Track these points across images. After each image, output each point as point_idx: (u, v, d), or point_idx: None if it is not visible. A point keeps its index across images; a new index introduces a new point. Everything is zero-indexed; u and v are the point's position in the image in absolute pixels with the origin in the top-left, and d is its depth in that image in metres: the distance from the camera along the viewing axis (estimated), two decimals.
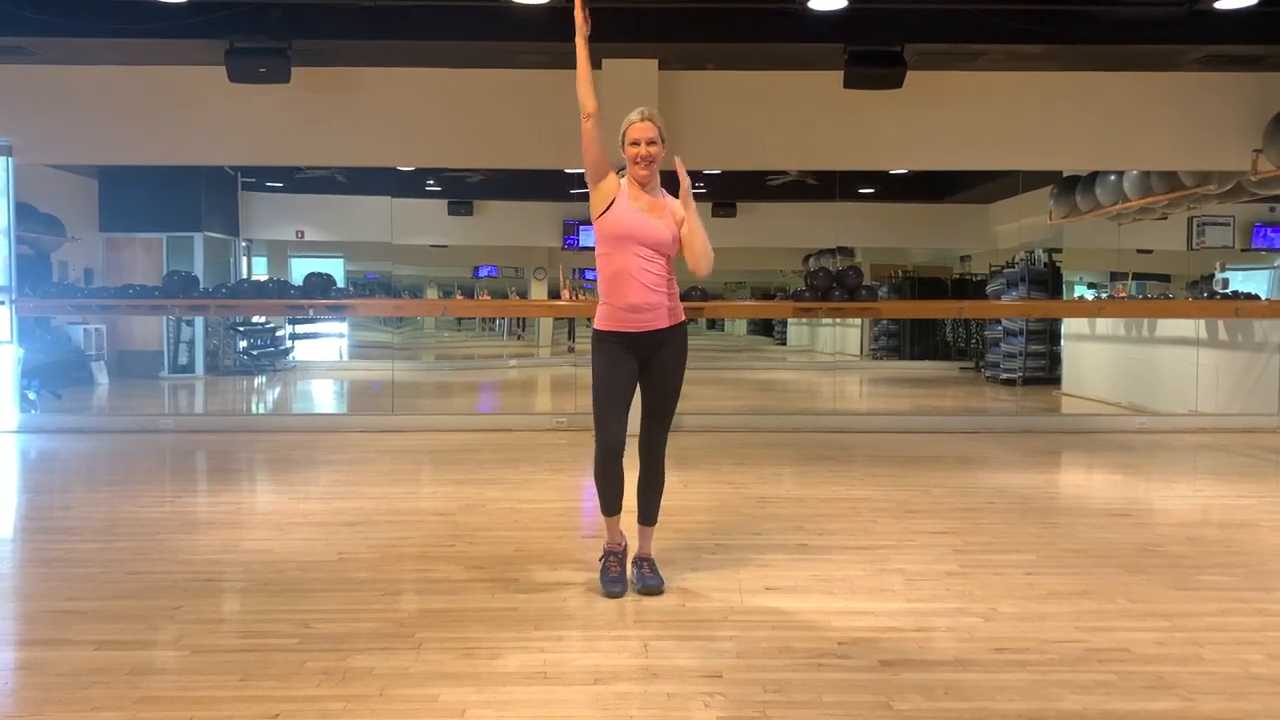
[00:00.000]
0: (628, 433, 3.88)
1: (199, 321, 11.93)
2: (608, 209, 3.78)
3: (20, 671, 3.15)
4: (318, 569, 4.21)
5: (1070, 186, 10.99)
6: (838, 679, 3.02)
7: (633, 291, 3.75)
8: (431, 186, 13.63)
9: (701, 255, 3.78)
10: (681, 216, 3.80)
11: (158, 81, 8.44)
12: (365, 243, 12.74)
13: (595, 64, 8.23)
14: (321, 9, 7.53)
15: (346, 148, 8.71)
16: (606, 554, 3.97)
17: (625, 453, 3.88)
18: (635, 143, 3.78)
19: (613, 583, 3.88)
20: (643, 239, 3.74)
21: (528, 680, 3.01)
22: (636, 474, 4.01)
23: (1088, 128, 8.61)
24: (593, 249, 3.86)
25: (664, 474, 4.01)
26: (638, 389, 3.93)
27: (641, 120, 3.79)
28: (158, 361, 12.13)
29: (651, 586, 3.88)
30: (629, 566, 4.01)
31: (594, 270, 3.86)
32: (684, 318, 3.92)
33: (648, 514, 4.03)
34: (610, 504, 3.94)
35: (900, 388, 13.74)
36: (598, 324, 3.87)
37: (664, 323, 3.82)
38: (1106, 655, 3.23)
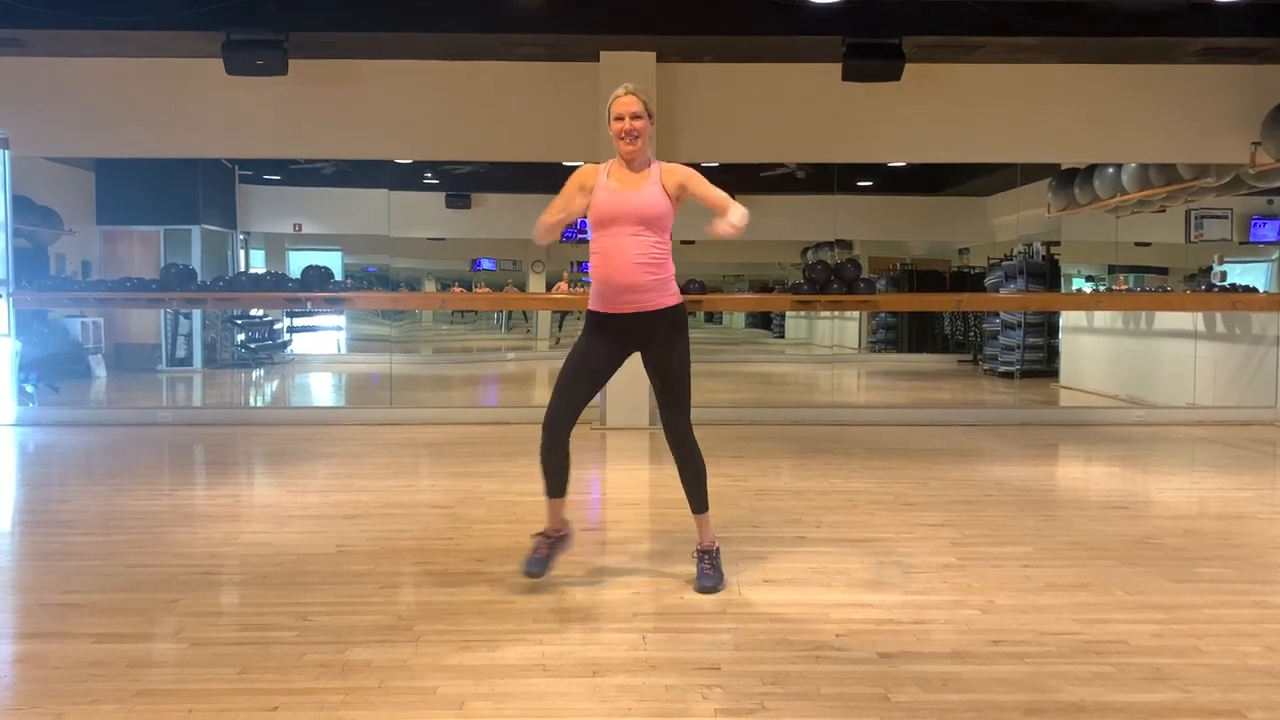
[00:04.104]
0: (576, 421, 3.83)
1: (197, 315, 11.93)
2: (591, 195, 3.77)
3: (19, 664, 3.16)
4: (316, 562, 4.21)
5: (1068, 179, 11.00)
6: (835, 671, 3.03)
7: (619, 270, 3.68)
8: (429, 179, 13.62)
9: (737, 224, 3.63)
10: (679, 180, 3.72)
11: (154, 74, 8.42)
12: (363, 235, 12.74)
13: (593, 57, 8.26)
14: (318, 1, 7.52)
15: (344, 140, 8.69)
16: (541, 534, 3.88)
17: (568, 438, 3.83)
18: (619, 117, 3.72)
19: (532, 563, 3.79)
20: (622, 216, 3.69)
21: (526, 673, 3.02)
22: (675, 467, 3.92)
23: (1086, 121, 8.60)
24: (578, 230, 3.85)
25: (700, 459, 3.88)
26: (644, 381, 3.89)
27: (626, 94, 3.75)
28: (155, 354, 12.14)
29: (706, 588, 3.76)
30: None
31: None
32: (678, 301, 3.82)
33: (696, 502, 3.91)
34: (551, 486, 3.87)
35: (898, 380, 13.75)
36: (590, 305, 3.84)
37: (655, 304, 3.74)
38: (1104, 647, 3.23)
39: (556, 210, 3.81)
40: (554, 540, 3.88)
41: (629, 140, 3.72)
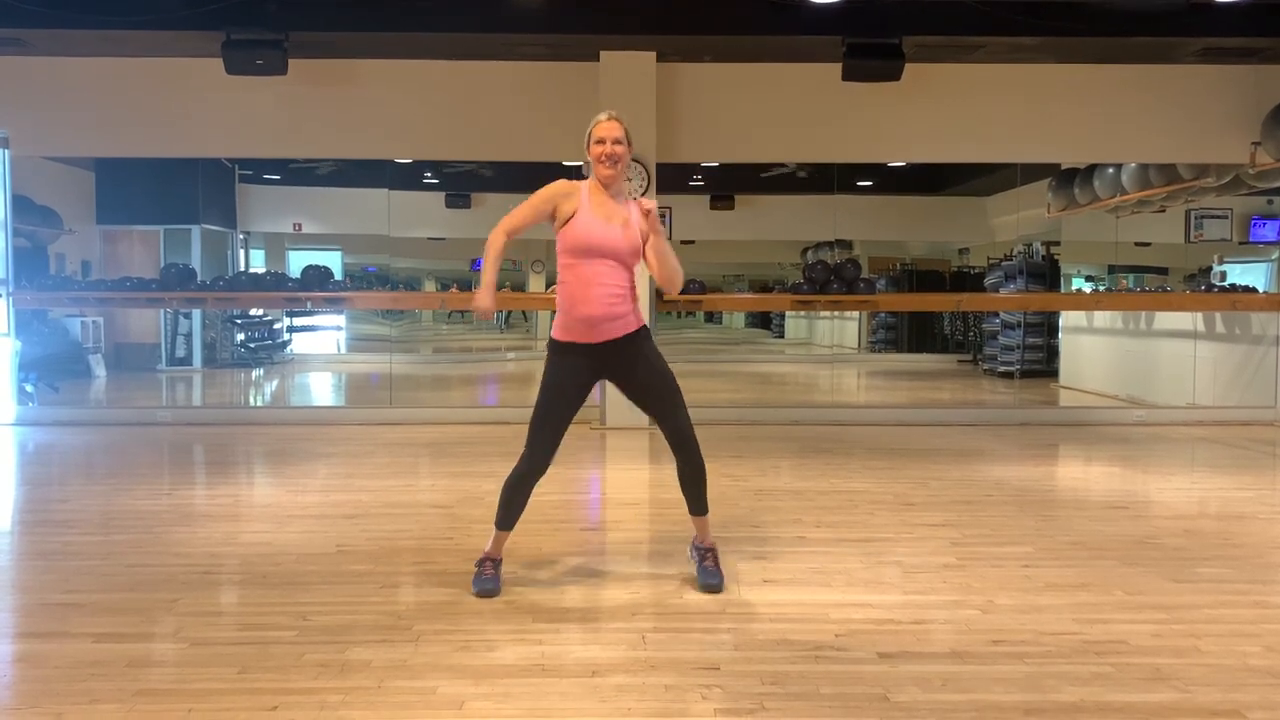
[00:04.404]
0: (555, 453, 3.83)
1: (196, 314, 11.93)
2: (570, 219, 3.70)
3: (19, 664, 3.16)
4: (316, 561, 4.21)
5: (1068, 179, 11.00)
6: (835, 671, 3.03)
7: (596, 303, 3.67)
8: (429, 179, 13.62)
9: (670, 278, 3.79)
10: (643, 228, 3.74)
11: (154, 73, 8.42)
12: (363, 235, 12.74)
13: (593, 56, 8.24)
14: (318, 1, 7.52)
15: (344, 140, 8.69)
16: (483, 559, 3.85)
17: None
18: (600, 141, 3.71)
19: (484, 581, 3.77)
20: (605, 250, 3.67)
21: (525, 672, 3.02)
22: (676, 470, 3.90)
23: (1086, 121, 8.60)
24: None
25: (701, 460, 3.87)
26: (630, 401, 3.86)
27: (608, 120, 3.74)
28: (155, 354, 12.14)
29: (711, 586, 3.78)
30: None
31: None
32: (644, 322, 3.84)
33: (697, 505, 3.92)
34: (505, 518, 3.85)
35: (898, 380, 13.75)
36: (556, 334, 3.79)
37: (625, 330, 3.74)
38: (1104, 647, 3.23)
39: (519, 222, 3.75)
40: (497, 563, 3.87)
41: (609, 164, 3.71)
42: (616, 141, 3.71)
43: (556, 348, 3.80)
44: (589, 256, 3.68)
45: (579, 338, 3.74)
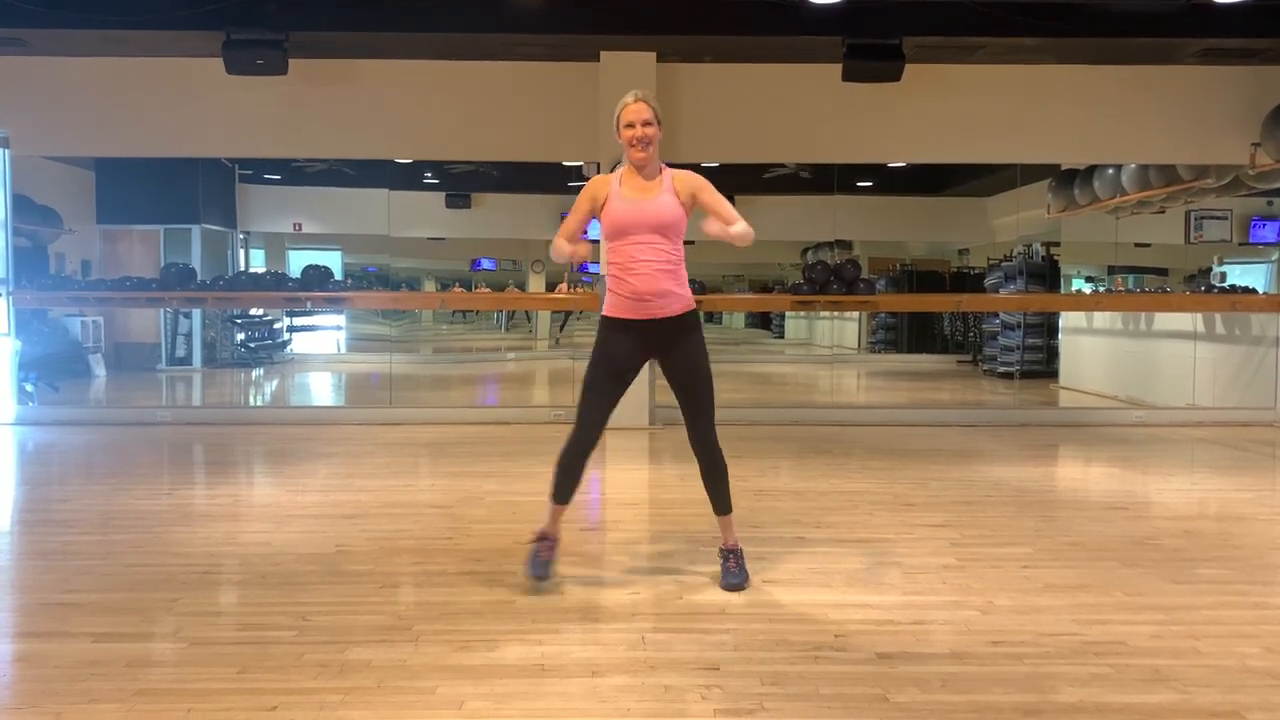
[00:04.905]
0: (605, 426, 3.85)
1: (196, 314, 11.93)
2: (604, 205, 3.78)
3: (18, 664, 3.16)
4: (315, 561, 4.21)
5: (1068, 180, 11.00)
6: (835, 671, 3.03)
7: (639, 279, 3.70)
8: (429, 179, 13.62)
9: (734, 234, 3.73)
10: (692, 189, 3.76)
11: (155, 73, 8.42)
12: (363, 235, 12.75)
13: (593, 57, 8.25)
14: (318, 1, 7.52)
15: (344, 140, 8.69)
16: (540, 536, 3.89)
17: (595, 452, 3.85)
18: (630, 125, 3.72)
19: (537, 565, 3.81)
20: (639, 226, 3.70)
21: (525, 673, 3.02)
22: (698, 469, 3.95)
23: (1086, 122, 8.60)
24: (594, 241, 3.82)
25: (724, 462, 3.92)
26: (669, 387, 3.88)
27: (636, 102, 3.74)
28: (155, 354, 12.14)
29: (734, 585, 3.80)
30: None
31: (590, 264, 3.83)
32: (694, 305, 3.84)
33: (719, 504, 3.96)
34: (561, 492, 3.88)
35: (898, 381, 13.75)
36: (605, 310, 3.83)
37: (674, 309, 3.75)
38: (1103, 648, 3.23)
39: (573, 226, 3.81)
40: (553, 544, 3.89)
41: (641, 147, 3.72)
42: (646, 123, 3.72)
43: (605, 323, 3.83)
44: (625, 235, 3.72)
45: (626, 313, 3.76)
